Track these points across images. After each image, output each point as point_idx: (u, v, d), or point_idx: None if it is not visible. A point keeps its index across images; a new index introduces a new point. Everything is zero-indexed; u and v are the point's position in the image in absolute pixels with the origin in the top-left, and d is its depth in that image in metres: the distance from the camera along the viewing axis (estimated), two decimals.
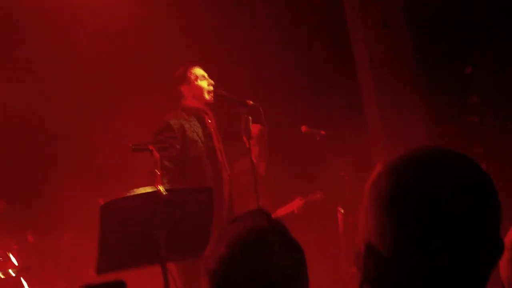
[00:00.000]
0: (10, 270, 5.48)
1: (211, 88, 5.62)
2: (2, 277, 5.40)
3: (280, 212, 6.70)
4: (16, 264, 5.70)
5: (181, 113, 5.60)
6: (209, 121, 5.65)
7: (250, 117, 5.33)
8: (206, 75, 5.68)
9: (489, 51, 7.18)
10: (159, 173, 4.36)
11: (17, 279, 5.54)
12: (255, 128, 5.46)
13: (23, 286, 5.53)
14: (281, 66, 7.59)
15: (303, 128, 6.63)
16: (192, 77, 5.65)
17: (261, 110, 5.35)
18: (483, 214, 1.38)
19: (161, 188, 4.12)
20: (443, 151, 1.45)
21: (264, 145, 6.83)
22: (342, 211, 6.52)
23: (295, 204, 6.77)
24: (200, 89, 5.62)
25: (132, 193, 4.17)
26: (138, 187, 4.21)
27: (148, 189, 4.14)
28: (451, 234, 1.35)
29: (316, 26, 8.06)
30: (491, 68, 7.21)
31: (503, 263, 2.33)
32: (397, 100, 7.39)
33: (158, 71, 6.86)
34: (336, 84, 7.95)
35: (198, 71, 5.68)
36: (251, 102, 5.34)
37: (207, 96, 5.61)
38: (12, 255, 5.81)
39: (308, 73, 7.77)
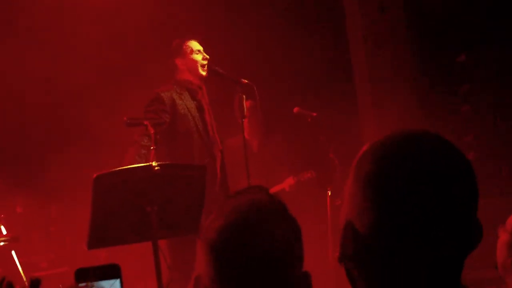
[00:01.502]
0: None
1: (206, 62, 5.58)
2: None
3: (272, 191, 6.71)
4: (5, 233, 5.70)
5: (173, 86, 5.55)
6: (202, 95, 5.62)
7: (244, 96, 5.34)
8: (201, 49, 5.63)
9: (483, 39, 7.21)
10: (153, 148, 4.36)
11: (6, 248, 5.54)
12: (246, 104, 5.43)
13: (12, 257, 5.54)
14: (276, 47, 7.59)
15: (295, 109, 6.64)
16: (188, 50, 5.60)
17: (255, 89, 5.35)
18: (460, 199, 1.39)
19: (154, 163, 4.12)
20: (425, 136, 1.45)
21: (256, 121, 6.83)
22: (330, 193, 6.54)
23: (287, 183, 6.79)
24: (195, 62, 5.57)
25: (125, 167, 4.18)
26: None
27: (142, 164, 4.15)
28: (426, 216, 1.36)
29: (312, 9, 8.06)
30: (484, 56, 7.24)
31: (500, 245, 2.36)
32: (389, 85, 7.42)
33: (158, 46, 6.83)
34: (330, 67, 7.96)
35: (194, 44, 5.64)
36: (245, 81, 5.34)
37: (201, 71, 5.56)
38: (1, 224, 5.81)
39: (303, 55, 7.76)
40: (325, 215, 6.50)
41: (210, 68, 5.53)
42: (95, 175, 3.97)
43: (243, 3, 7.87)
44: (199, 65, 5.57)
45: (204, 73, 5.58)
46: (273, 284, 1.63)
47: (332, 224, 6.45)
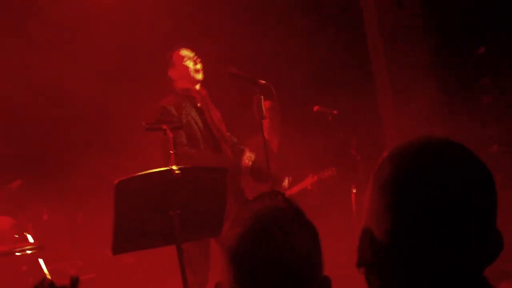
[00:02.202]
0: (25, 248, 5.52)
1: (199, 67, 5.68)
2: (18, 254, 5.45)
3: (294, 190, 6.73)
4: (32, 242, 5.76)
5: (173, 97, 5.67)
6: (201, 99, 5.69)
7: (262, 96, 5.35)
8: (192, 55, 5.73)
9: (502, 31, 7.15)
10: (172, 152, 4.38)
11: (32, 256, 5.59)
12: (265, 104, 5.45)
13: (39, 264, 5.58)
14: (294, 46, 7.58)
15: (316, 108, 6.64)
16: (178, 59, 5.73)
17: (273, 89, 5.35)
18: (480, 208, 1.39)
19: (174, 167, 4.14)
20: (445, 143, 1.46)
21: (275, 121, 6.84)
22: (355, 190, 6.53)
23: (308, 181, 6.79)
24: (186, 68, 5.69)
25: (146, 172, 4.20)
26: (153, 166, 4.24)
27: (162, 168, 4.16)
28: (444, 224, 1.36)
29: (329, 6, 8.04)
30: (503, 49, 7.18)
31: None
32: (409, 80, 7.38)
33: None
34: (349, 64, 7.94)
35: (183, 52, 5.76)
36: (263, 82, 5.35)
37: (195, 75, 5.67)
38: (28, 233, 5.86)
39: (321, 53, 7.75)
40: (349, 213, 6.49)
41: (227, 69, 5.55)
42: (116, 181, 3.99)
43: (260, 3, 7.88)
44: (191, 70, 5.67)
45: (199, 77, 5.69)
46: None
47: (358, 221, 6.44)
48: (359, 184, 6.55)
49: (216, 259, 5.35)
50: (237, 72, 5.51)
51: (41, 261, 5.61)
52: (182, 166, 4.18)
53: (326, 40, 7.81)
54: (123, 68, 7.37)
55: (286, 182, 6.62)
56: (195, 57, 5.72)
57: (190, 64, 5.70)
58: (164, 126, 4.48)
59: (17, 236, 5.81)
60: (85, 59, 7.29)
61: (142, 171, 4.17)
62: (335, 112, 6.59)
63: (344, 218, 6.50)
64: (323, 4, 8.03)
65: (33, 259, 5.65)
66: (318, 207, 6.57)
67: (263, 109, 5.31)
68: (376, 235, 1.42)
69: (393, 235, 1.39)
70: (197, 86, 5.72)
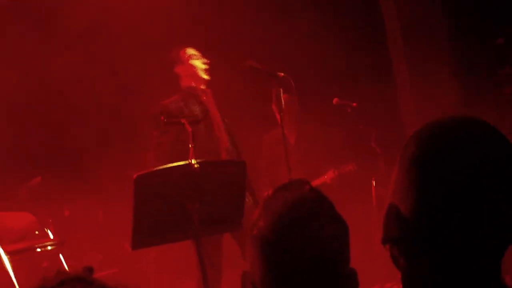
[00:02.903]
0: (46, 244, 5.55)
1: (206, 66, 5.68)
2: (39, 250, 5.48)
3: (314, 184, 6.70)
4: (52, 237, 5.78)
5: (178, 96, 5.67)
6: (206, 99, 5.69)
7: (281, 89, 5.33)
8: (199, 54, 5.75)
9: None
10: (191, 146, 4.37)
11: (53, 252, 5.62)
12: (284, 97, 5.44)
13: (60, 260, 5.61)
14: (313, 39, 7.56)
15: (335, 100, 6.61)
16: (185, 57, 5.72)
17: (292, 82, 5.33)
18: (504, 186, 1.39)
19: (193, 161, 4.14)
20: (472, 121, 1.46)
21: (293, 114, 6.81)
22: (375, 183, 6.50)
23: (329, 176, 6.77)
24: (194, 67, 5.69)
25: (165, 166, 4.21)
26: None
27: (181, 162, 4.17)
28: (468, 200, 1.36)
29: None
30: None
31: None
32: (428, 71, 7.35)
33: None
34: (367, 55, 7.91)
35: (190, 50, 5.76)
36: (282, 74, 5.33)
37: (202, 74, 5.68)
38: (48, 229, 5.89)
39: (340, 45, 7.72)
40: (370, 206, 6.46)
41: (246, 63, 5.54)
42: (135, 175, 4.00)
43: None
44: (198, 70, 5.67)
45: (206, 77, 5.69)
46: (322, 282, 1.65)
47: (377, 214, 6.41)
48: (379, 176, 6.53)
49: (229, 252, 5.34)
50: (256, 65, 5.50)
51: (61, 256, 5.64)
52: (201, 160, 4.18)
53: (345, 32, 7.78)
54: (140, 64, 7.38)
55: None
56: (201, 57, 5.73)
57: (197, 63, 5.70)
58: (183, 120, 4.49)
59: (37, 232, 5.85)
60: (101, 58, 7.32)
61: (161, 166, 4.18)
62: (354, 104, 6.57)
63: (364, 210, 6.47)
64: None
65: (53, 255, 5.68)
66: (338, 200, 6.54)
67: (282, 102, 5.31)
68: (401, 211, 1.43)
69: (417, 211, 1.40)
70: (203, 86, 5.72)
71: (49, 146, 7.26)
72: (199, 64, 5.70)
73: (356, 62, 7.87)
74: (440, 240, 1.39)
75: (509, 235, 1.40)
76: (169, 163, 4.21)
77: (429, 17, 7.40)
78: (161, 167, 4.21)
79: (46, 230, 5.81)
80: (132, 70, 7.32)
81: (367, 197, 6.51)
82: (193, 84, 5.70)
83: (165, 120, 4.55)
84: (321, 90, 7.37)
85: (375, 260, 5.94)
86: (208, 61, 5.72)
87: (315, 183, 6.72)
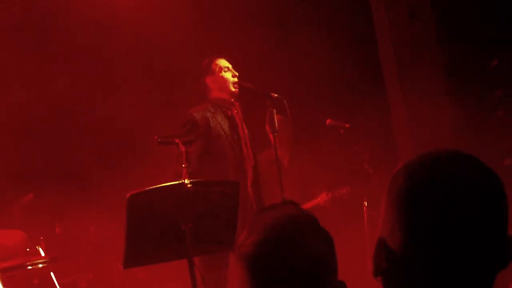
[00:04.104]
0: (37, 262, 5.53)
1: (236, 79, 5.61)
2: (30, 268, 5.45)
3: (306, 206, 6.70)
4: (43, 255, 5.76)
5: (207, 105, 5.59)
6: (236, 112, 5.64)
7: (274, 110, 5.34)
8: (230, 66, 5.67)
9: None
10: (184, 166, 4.37)
11: (44, 270, 5.60)
12: (277, 118, 5.44)
13: (51, 277, 5.59)
14: (306, 60, 7.59)
15: (328, 121, 6.62)
16: (216, 69, 5.64)
17: (285, 102, 5.34)
18: (492, 217, 1.41)
19: (186, 180, 4.14)
20: (456, 155, 1.48)
21: (287, 135, 6.82)
22: (366, 204, 6.50)
23: (322, 198, 6.77)
24: (225, 80, 5.61)
25: (158, 186, 4.20)
26: (164, 180, 4.24)
27: (174, 182, 4.17)
28: (457, 233, 1.38)
29: (340, 18, 8.04)
30: None
31: None
32: (422, 93, 7.36)
33: (186, 66, 6.90)
34: (360, 77, 7.94)
35: (223, 62, 5.68)
36: (275, 95, 5.34)
37: (232, 87, 5.59)
38: (39, 246, 5.87)
39: (332, 66, 7.75)
40: (362, 226, 6.46)
41: (240, 85, 5.55)
42: (128, 194, 4.00)
43: (273, 18, 7.90)
44: (229, 83, 5.60)
45: (234, 90, 5.60)
46: None
47: (369, 235, 6.41)
48: (371, 197, 6.53)
49: (234, 271, 5.33)
50: (249, 85, 5.51)
51: (52, 274, 5.62)
52: (194, 180, 4.18)
53: (338, 53, 7.81)
54: (141, 81, 7.40)
55: None
56: (233, 69, 5.67)
57: (228, 75, 5.63)
58: (177, 140, 4.48)
59: (28, 249, 5.83)
60: (102, 73, 7.33)
61: (154, 185, 4.18)
62: (347, 125, 6.57)
63: (355, 231, 6.47)
64: (335, 18, 8.03)
65: (44, 273, 5.65)
66: (330, 221, 6.54)
67: (276, 123, 5.31)
68: (390, 244, 1.44)
69: (406, 244, 1.42)
70: (233, 99, 5.66)
71: (41, 163, 7.24)
72: (229, 76, 5.63)
73: (350, 83, 7.89)
74: (429, 272, 1.40)
75: (498, 265, 1.42)
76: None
77: (423, 40, 7.43)
78: (154, 187, 4.21)
79: (37, 247, 5.79)
80: (129, 87, 7.32)
81: (359, 218, 6.51)
82: (222, 96, 5.64)
83: (159, 139, 4.54)
84: (314, 111, 7.39)
85: (367, 282, 5.94)
86: (238, 74, 5.65)
87: (309, 205, 6.73)
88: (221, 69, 5.64)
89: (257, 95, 5.47)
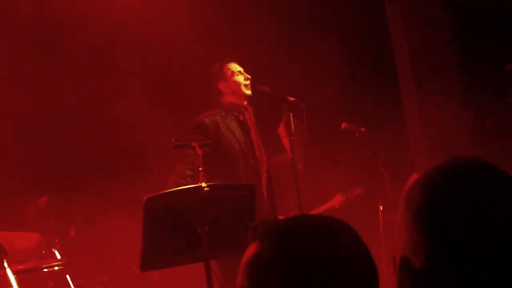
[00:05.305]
0: (53, 264, 5.54)
1: (248, 82, 5.58)
2: (46, 270, 5.46)
3: (322, 208, 6.70)
4: (59, 258, 5.77)
5: (218, 110, 5.56)
6: (248, 116, 5.60)
7: (291, 113, 5.33)
8: (242, 70, 5.63)
9: None
10: (201, 169, 4.37)
11: (60, 273, 5.60)
12: (294, 123, 5.43)
13: (66, 280, 5.59)
14: (322, 64, 7.58)
15: (343, 125, 6.62)
16: (229, 73, 5.61)
17: (302, 106, 5.33)
18: None
19: (203, 184, 4.14)
20: (476, 164, 1.43)
21: (302, 139, 6.81)
22: (381, 208, 6.49)
23: (336, 200, 6.75)
24: (238, 84, 5.56)
25: (175, 189, 4.21)
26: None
27: (191, 185, 4.17)
28: (482, 249, 1.34)
29: (356, 24, 8.03)
30: None
31: None
32: (436, 97, 7.35)
33: (197, 70, 6.89)
34: (376, 82, 7.92)
35: (234, 66, 5.64)
36: (292, 99, 5.33)
37: (245, 90, 5.55)
38: (55, 249, 5.88)
39: (349, 70, 7.74)
40: (377, 230, 6.45)
41: (255, 87, 5.53)
42: (145, 198, 4.01)
43: (288, 23, 7.90)
44: (242, 86, 5.56)
45: (248, 92, 5.57)
46: None
47: (385, 238, 6.40)
48: (386, 201, 6.52)
49: None
50: (266, 89, 5.48)
51: (68, 277, 5.62)
52: (211, 183, 4.18)
53: (354, 57, 7.81)
54: (149, 83, 7.41)
55: None
56: (245, 73, 5.63)
57: (241, 79, 5.59)
58: (194, 143, 4.48)
59: (44, 252, 5.84)
60: (112, 76, 7.34)
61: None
62: (362, 129, 6.57)
63: (371, 235, 6.45)
64: (350, 21, 8.02)
65: (60, 276, 5.66)
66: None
67: (292, 126, 5.30)
68: (414, 263, 1.39)
69: (431, 263, 1.37)
70: (246, 102, 5.61)
71: (56, 166, 7.25)
72: (242, 80, 5.58)
73: (365, 88, 7.88)
74: None
75: None
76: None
77: (438, 45, 7.42)
78: (170, 190, 4.22)
79: (53, 250, 5.80)
80: (140, 89, 7.33)
81: (374, 222, 6.50)
82: (235, 101, 5.60)
83: (176, 142, 4.54)
84: (330, 115, 7.38)
85: (382, 285, 5.91)
86: (250, 77, 5.61)
87: (323, 207, 6.72)
88: (233, 73, 5.61)
89: (274, 99, 5.46)
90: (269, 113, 6.15)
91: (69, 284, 5.54)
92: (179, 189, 4.17)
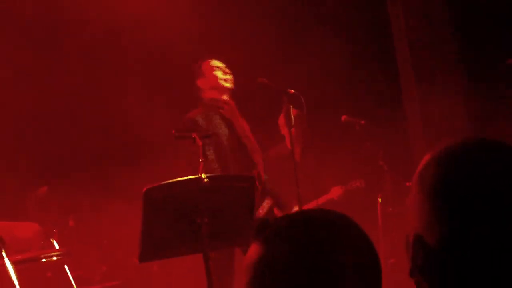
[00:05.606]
0: (52, 254, 5.54)
1: (229, 76, 5.61)
2: (44, 260, 5.46)
3: (321, 200, 6.69)
4: (58, 248, 5.77)
5: (201, 109, 5.61)
6: (229, 110, 5.62)
7: (291, 106, 5.33)
8: (221, 65, 5.67)
9: None
10: (201, 160, 4.37)
11: (58, 263, 5.61)
12: (293, 113, 5.42)
13: (64, 270, 5.59)
14: (322, 56, 7.57)
15: (343, 117, 6.63)
16: (207, 69, 5.65)
17: (302, 98, 5.34)
18: None
19: (203, 175, 4.14)
20: (489, 142, 1.40)
21: (301, 131, 6.80)
22: (380, 200, 6.50)
23: (335, 192, 6.74)
24: (215, 78, 5.60)
25: (175, 180, 4.20)
26: (180, 175, 4.24)
27: (191, 176, 4.16)
28: (498, 226, 1.31)
29: (357, 22, 8.03)
30: None
31: None
32: (436, 91, 7.35)
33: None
34: (376, 74, 7.92)
35: (213, 62, 5.68)
36: (292, 91, 5.33)
37: (224, 83, 5.58)
38: (53, 239, 5.88)
39: (349, 62, 7.73)
40: (376, 223, 6.45)
41: (256, 79, 5.53)
42: (145, 189, 4.01)
43: (290, 16, 7.89)
44: (220, 80, 5.59)
45: (228, 85, 5.60)
46: None
47: (383, 231, 6.40)
48: (385, 194, 6.52)
49: (240, 267, 5.34)
50: (266, 81, 5.48)
51: (66, 267, 5.62)
52: (211, 175, 4.18)
53: (354, 51, 7.80)
54: (151, 77, 7.41)
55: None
56: (225, 68, 5.65)
57: (219, 73, 5.61)
58: (194, 135, 4.48)
59: (42, 242, 5.83)
60: (114, 67, 7.33)
61: (169, 179, 4.17)
62: (362, 122, 6.58)
63: (369, 227, 6.45)
64: (352, 20, 8.01)
65: (58, 266, 5.66)
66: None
67: (292, 118, 5.30)
68: (428, 241, 1.37)
69: (447, 240, 1.34)
70: (226, 96, 5.63)
71: (55, 157, 7.25)
72: (220, 74, 5.61)
73: (365, 80, 7.88)
74: (472, 269, 1.33)
75: None
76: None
77: (439, 43, 7.42)
78: (170, 181, 4.21)
79: (52, 240, 5.80)
80: (141, 83, 7.33)
81: (373, 215, 6.50)
82: (216, 96, 5.62)
83: (176, 134, 4.54)
84: (330, 108, 7.38)
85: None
86: (230, 72, 5.64)
87: (322, 199, 6.71)
88: (211, 68, 5.64)
89: (274, 91, 5.47)
90: (269, 105, 6.15)
91: (67, 275, 5.54)
92: (179, 180, 4.16)
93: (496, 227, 1.32)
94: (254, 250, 1.47)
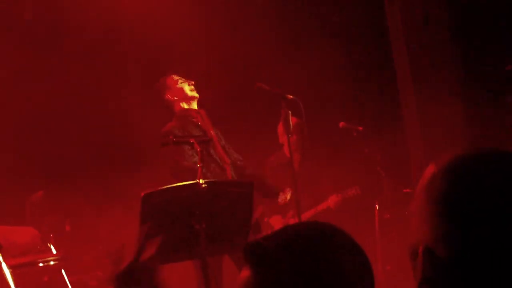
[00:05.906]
0: (49, 259, 5.53)
1: (193, 87, 5.74)
2: (41, 265, 5.45)
3: (318, 208, 6.68)
4: (54, 252, 5.76)
5: (175, 121, 5.68)
6: (201, 119, 5.70)
7: (290, 111, 5.34)
8: (183, 79, 5.80)
9: None
10: (199, 166, 4.37)
11: (55, 267, 5.60)
12: (292, 120, 5.43)
13: (61, 275, 5.58)
14: (321, 63, 7.57)
15: (341, 124, 6.63)
16: (172, 82, 5.77)
17: (301, 104, 5.34)
18: None
19: (201, 180, 4.14)
20: (496, 152, 1.40)
21: (300, 137, 6.80)
22: (378, 207, 6.49)
23: (332, 200, 6.72)
24: (181, 89, 5.74)
25: (173, 185, 4.20)
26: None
27: (189, 181, 4.17)
28: (510, 240, 1.30)
29: (355, 23, 8.03)
30: None
31: None
32: (435, 97, 7.35)
33: (197, 68, 6.89)
34: (374, 81, 7.92)
35: (176, 76, 5.83)
36: (291, 96, 5.34)
37: (190, 93, 5.72)
38: (50, 243, 5.87)
39: (348, 70, 7.74)
40: (373, 229, 6.45)
41: (255, 84, 5.54)
42: (143, 193, 4.00)
43: (288, 23, 7.90)
44: (186, 90, 5.73)
45: (194, 94, 5.74)
46: None
47: (380, 237, 6.39)
48: (382, 200, 6.52)
49: (229, 272, 5.32)
50: (265, 87, 5.49)
51: (63, 272, 5.61)
52: (209, 180, 4.18)
53: (353, 57, 7.80)
54: (150, 79, 7.40)
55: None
56: (186, 80, 5.80)
57: (184, 85, 5.75)
58: (192, 140, 4.49)
59: (39, 247, 5.82)
60: (110, 72, 7.33)
61: (165, 184, 4.17)
62: (360, 128, 6.58)
63: (367, 234, 6.45)
64: (350, 21, 8.02)
65: (54, 270, 5.65)
66: (341, 223, 6.51)
67: (291, 124, 5.30)
68: (438, 253, 1.36)
69: (457, 252, 1.33)
70: (195, 105, 5.75)
71: (51, 161, 7.24)
72: (186, 86, 5.74)
73: (363, 86, 7.88)
74: (484, 281, 1.32)
75: None
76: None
77: (438, 44, 7.42)
78: (168, 186, 4.21)
79: (49, 245, 5.79)
80: (139, 85, 7.33)
81: (370, 221, 6.49)
82: (185, 107, 5.74)
83: (174, 139, 4.55)
84: (328, 114, 7.38)
85: (378, 285, 5.91)
86: (194, 82, 5.78)
87: (319, 208, 6.69)
88: (176, 81, 5.77)
89: (273, 97, 5.48)
90: (268, 111, 6.15)
91: (64, 279, 5.53)
92: (177, 185, 4.17)
93: (508, 241, 1.31)
94: (245, 274, 1.47)
